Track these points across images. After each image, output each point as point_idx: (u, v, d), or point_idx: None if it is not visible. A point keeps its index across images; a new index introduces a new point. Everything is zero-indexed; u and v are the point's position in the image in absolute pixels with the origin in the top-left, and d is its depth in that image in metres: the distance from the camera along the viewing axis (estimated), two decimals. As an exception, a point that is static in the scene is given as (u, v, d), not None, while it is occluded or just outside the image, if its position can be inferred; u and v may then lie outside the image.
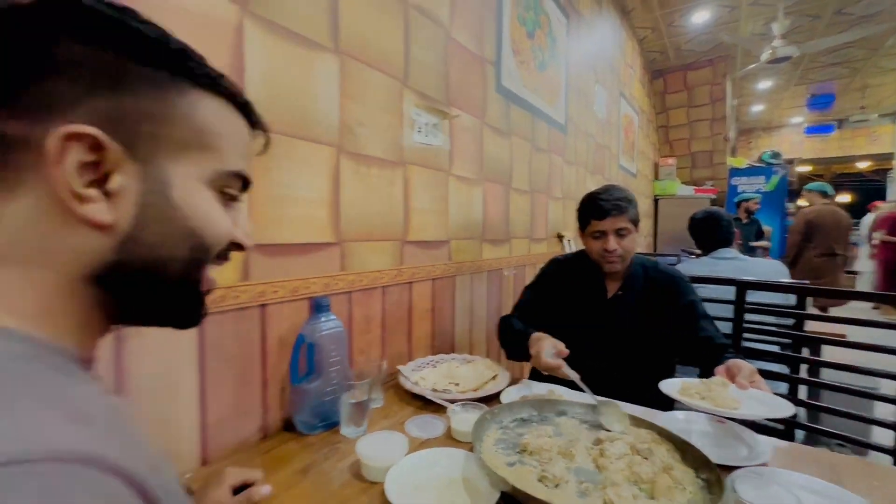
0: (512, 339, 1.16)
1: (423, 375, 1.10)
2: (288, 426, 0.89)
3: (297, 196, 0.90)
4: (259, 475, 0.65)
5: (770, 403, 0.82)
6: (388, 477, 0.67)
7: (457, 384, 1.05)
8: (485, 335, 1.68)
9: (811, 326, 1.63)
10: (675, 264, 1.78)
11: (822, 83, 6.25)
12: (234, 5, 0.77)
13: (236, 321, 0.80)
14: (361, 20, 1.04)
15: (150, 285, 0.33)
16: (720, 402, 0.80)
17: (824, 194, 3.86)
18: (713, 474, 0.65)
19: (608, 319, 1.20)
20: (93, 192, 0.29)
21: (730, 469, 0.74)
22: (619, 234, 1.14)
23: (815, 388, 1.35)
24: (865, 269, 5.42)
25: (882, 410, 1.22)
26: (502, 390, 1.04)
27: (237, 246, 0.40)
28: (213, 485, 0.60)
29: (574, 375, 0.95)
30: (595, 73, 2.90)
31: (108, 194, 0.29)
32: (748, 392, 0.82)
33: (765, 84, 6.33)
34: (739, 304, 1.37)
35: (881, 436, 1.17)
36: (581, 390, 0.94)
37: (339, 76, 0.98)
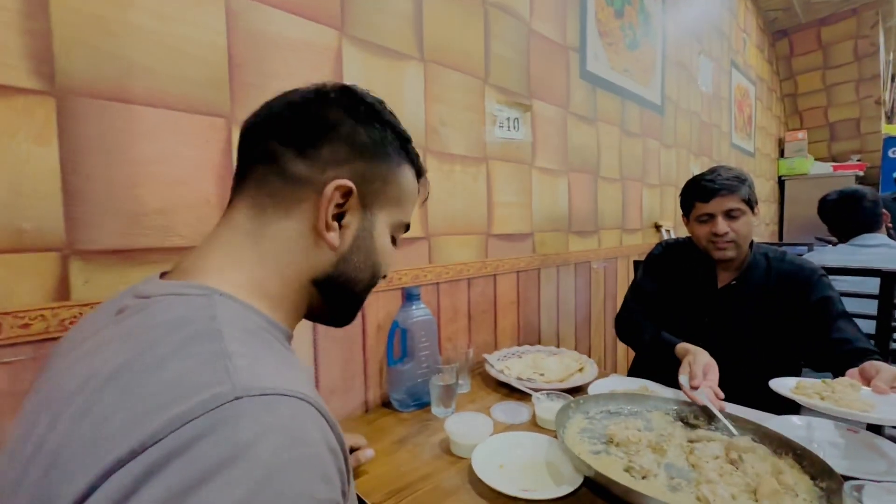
0: (640, 343, 1.12)
1: (509, 365, 1.13)
2: (386, 403, 0.99)
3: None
4: (364, 441, 0.75)
5: None
6: (474, 454, 0.71)
7: (542, 374, 1.06)
8: (573, 328, 1.65)
9: None
10: (802, 254, 1.54)
11: None
12: (333, 31, 0.88)
13: (341, 307, 0.92)
14: (443, 25, 1.10)
15: (344, 293, 0.46)
16: (846, 405, 0.69)
17: None
18: (834, 482, 0.58)
19: (716, 312, 1.10)
20: (334, 223, 0.41)
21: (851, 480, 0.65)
22: (731, 215, 1.03)
23: None
24: None
25: None
26: (589, 383, 1.03)
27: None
28: None
29: (711, 406, 0.80)
30: (700, 42, 2.61)
31: (341, 227, 0.42)
32: (887, 398, 0.70)
33: (937, 28, 5.06)
34: (886, 299, 1.15)
35: None
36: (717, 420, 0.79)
37: (423, 81, 1.06)
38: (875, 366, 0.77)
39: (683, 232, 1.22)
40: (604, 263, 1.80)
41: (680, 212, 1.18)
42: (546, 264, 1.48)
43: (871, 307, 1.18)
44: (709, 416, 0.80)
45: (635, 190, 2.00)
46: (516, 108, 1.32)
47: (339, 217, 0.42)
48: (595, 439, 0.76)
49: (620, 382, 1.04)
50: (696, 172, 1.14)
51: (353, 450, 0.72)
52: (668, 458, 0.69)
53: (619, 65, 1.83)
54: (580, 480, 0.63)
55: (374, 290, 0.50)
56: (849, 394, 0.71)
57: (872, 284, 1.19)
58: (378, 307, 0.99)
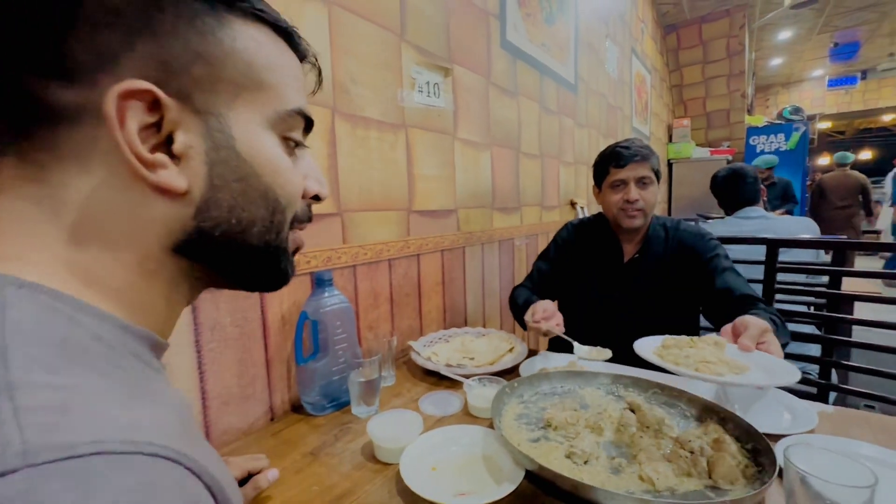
0: (519, 312, 1.10)
1: (436, 351, 1.05)
2: (297, 408, 0.85)
3: (290, 163, 0.83)
4: (265, 461, 0.61)
5: (773, 369, 0.68)
6: (402, 458, 0.62)
7: (472, 358, 1.00)
8: (498, 308, 1.62)
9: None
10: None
11: (846, 30, 5.88)
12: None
13: (233, 298, 0.75)
14: (350, -35, 0.94)
15: (234, 251, 0.31)
16: (705, 366, 0.67)
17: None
18: (760, 443, 0.59)
19: (625, 285, 1.13)
20: (160, 156, 0.26)
21: (774, 438, 0.67)
22: (642, 182, 1.06)
23: (847, 347, 1.27)
24: (885, 227, 5.24)
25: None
26: (520, 363, 0.99)
27: (314, 197, 0.36)
28: None
29: (556, 330, 0.93)
30: (606, 26, 2.72)
31: (175, 158, 0.27)
32: (752, 355, 0.72)
33: (785, 34, 5.98)
34: (770, 264, 1.28)
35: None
36: (571, 345, 0.95)
37: (328, 28, 0.89)
38: (744, 322, 0.78)
39: (597, 209, 1.24)
40: (526, 240, 1.79)
41: (590, 189, 1.19)
42: (471, 242, 1.41)
43: (758, 272, 1.30)
44: (641, 387, 0.79)
45: (553, 167, 2.02)
46: (436, 72, 1.21)
47: (165, 144, 0.27)
48: (532, 425, 0.70)
49: (549, 360, 1.02)
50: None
51: (251, 475, 0.58)
52: (606, 437, 0.66)
53: (537, 37, 1.80)
54: (521, 475, 0.57)
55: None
56: (712, 352, 0.71)
57: (758, 252, 1.32)
58: (282, 296, 0.83)
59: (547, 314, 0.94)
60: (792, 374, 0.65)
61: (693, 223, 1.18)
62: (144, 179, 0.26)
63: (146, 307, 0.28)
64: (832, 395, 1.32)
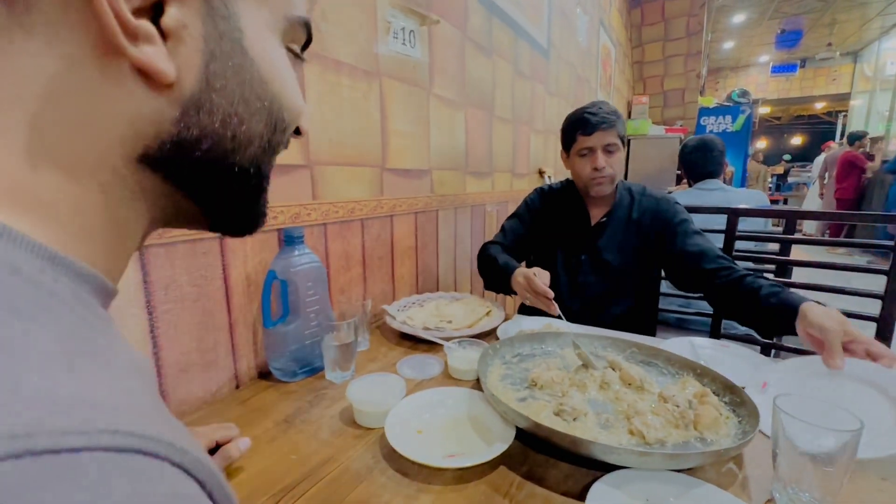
0: (493, 269, 1.07)
1: (410, 315, 1.01)
2: (264, 374, 0.79)
3: (253, 104, 0.73)
4: (235, 430, 0.55)
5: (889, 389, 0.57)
6: (387, 421, 0.58)
7: (450, 321, 0.97)
8: (470, 274, 1.60)
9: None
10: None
11: (794, 17, 6.19)
12: None
13: (189, 255, 0.66)
14: None
15: (218, 172, 0.24)
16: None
17: None
18: (737, 395, 0.61)
19: (592, 249, 1.14)
20: (145, 25, 0.19)
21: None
22: (608, 150, 1.06)
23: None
24: (811, 208, 5.76)
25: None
26: (498, 326, 0.97)
27: (296, 129, 0.30)
28: None
29: (558, 311, 0.87)
30: (578, -7, 2.66)
31: (165, 36, 0.20)
32: (859, 372, 0.58)
33: (739, 17, 6.20)
34: (730, 233, 1.34)
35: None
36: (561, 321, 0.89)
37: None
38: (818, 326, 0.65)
39: (563, 177, 1.23)
40: (497, 206, 1.77)
41: (558, 159, 1.17)
42: (444, 206, 1.36)
43: (719, 241, 1.36)
44: (619, 347, 0.81)
45: (524, 134, 1.99)
46: (413, 18, 1.12)
47: (153, 12, 0.20)
48: (517, 385, 0.69)
49: (525, 322, 1.02)
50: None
51: (219, 445, 0.52)
52: (590, 395, 0.66)
53: (513, -6, 1.72)
54: (513, 434, 0.55)
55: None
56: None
57: (719, 221, 1.37)
58: (246, 254, 0.75)
59: (539, 276, 0.92)
60: None
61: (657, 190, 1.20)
62: (123, 53, 0.19)
63: (92, 237, 0.21)
64: (771, 353, 1.43)
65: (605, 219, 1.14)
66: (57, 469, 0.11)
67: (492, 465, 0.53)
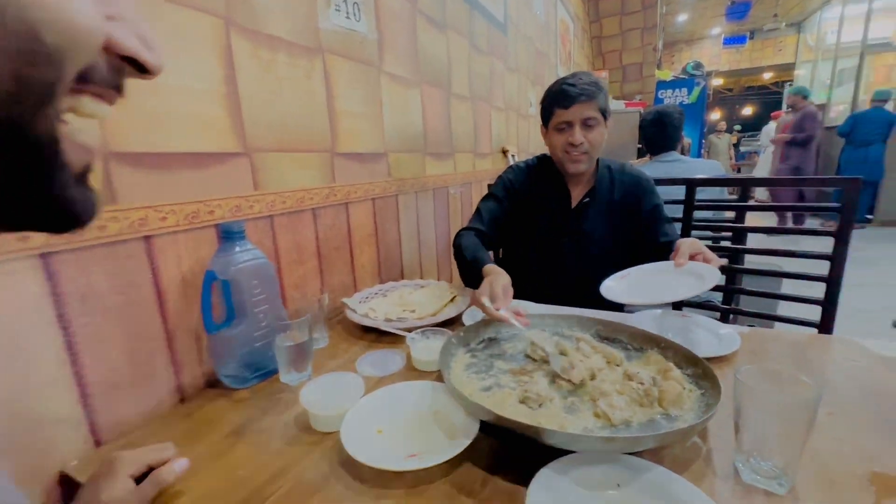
0: (463, 266, 1.00)
1: (373, 307, 0.97)
2: (213, 383, 0.73)
3: (176, 85, 0.65)
4: (170, 450, 0.50)
5: (703, 274, 0.80)
6: (343, 425, 0.55)
7: (412, 311, 0.93)
8: (435, 259, 1.57)
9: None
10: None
11: (742, -11, 6.34)
12: None
13: (107, 260, 0.59)
14: None
15: None
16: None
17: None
18: (700, 368, 0.60)
19: (573, 230, 1.11)
20: None
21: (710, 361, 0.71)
22: (587, 124, 1.01)
23: (745, 274, 1.42)
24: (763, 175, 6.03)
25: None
26: (463, 312, 0.94)
27: (135, 65, 0.21)
28: (104, 478, 0.44)
29: (515, 322, 0.75)
30: (532, -36, 2.60)
31: None
32: (688, 268, 0.82)
33: (691, -10, 6.28)
34: (689, 203, 1.35)
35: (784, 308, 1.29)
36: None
37: None
38: (676, 244, 0.88)
39: (527, 157, 1.19)
40: (460, 189, 1.73)
41: (521, 137, 1.13)
42: (403, 190, 1.31)
43: (679, 212, 1.38)
44: (585, 325, 0.79)
45: (485, 112, 1.94)
46: (355, -11, 1.04)
47: None
48: (482, 374, 0.67)
49: (492, 306, 0.99)
50: (534, 100, 1.08)
51: (151, 469, 0.47)
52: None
53: (465, -36, 1.64)
54: (476, 427, 0.53)
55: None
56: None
57: (679, 192, 1.39)
58: (179, 254, 0.68)
59: (506, 293, 0.80)
60: (714, 274, 0.77)
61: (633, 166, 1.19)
62: None
63: None
64: (730, 317, 1.48)
65: (586, 199, 1.10)
66: None
67: (455, 463, 0.51)
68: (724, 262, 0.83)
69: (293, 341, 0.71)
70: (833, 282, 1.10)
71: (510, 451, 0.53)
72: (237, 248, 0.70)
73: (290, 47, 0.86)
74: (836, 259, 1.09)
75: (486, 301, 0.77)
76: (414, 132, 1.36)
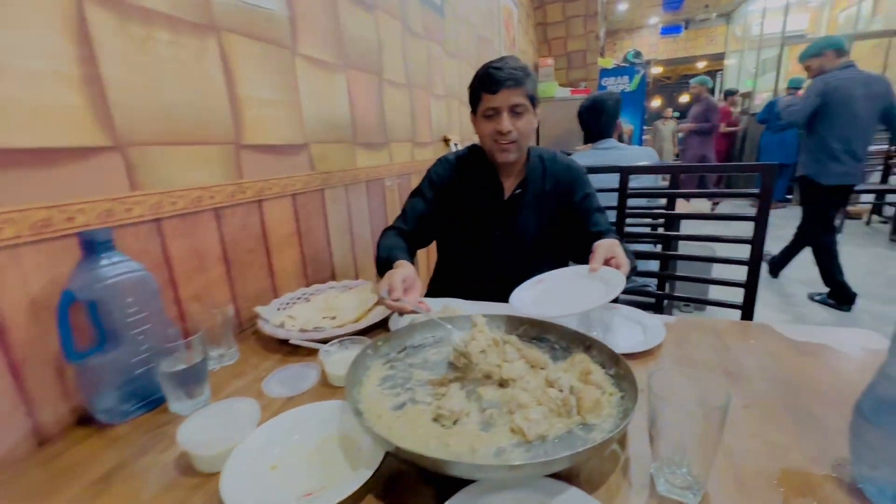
0: (379, 265, 0.96)
1: (293, 314, 0.88)
2: (86, 419, 0.62)
3: (9, 65, 0.53)
4: None
5: (610, 280, 0.76)
6: (227, 465, 0.47)
7: (333, 318, 0.86)
8: (371, 256, 1.49)
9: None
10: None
11: (676, -20, 6.59)
12: None
13: (-89, 286, 0.47)
14: None
15: None
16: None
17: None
18: (622, 368, 0.58)
19: (506, 223, 1.07)
20: None
21: (630, 357, 0.70)
22: (515, 111, 0.97)
23: (676, 259, 1.46)
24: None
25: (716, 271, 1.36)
26: (389, 316, 0.88)
27: None
28: None
29: (419, 308, 0.75)
30: (471, -55, 2.52)
31: None
32: (600, 273, 0.79)
33: (630, -21, 6.45)
34: (623, 191, 1.36)
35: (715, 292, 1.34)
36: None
37: None
38: (594, 247, 0.84)
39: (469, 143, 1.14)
40: (397, 180, 1.65)
41: (463, 126, 1.08)
42: (330, 183, 1.22)
43: (613, 199, 1.38)
44: (513, 325, 0.75)
45: (423, 99, 1.86)
46: (256, -42, 0.92)
47: None
48: (398, 388, 0.61)
49: (423, 306, 0.94)
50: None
51: None
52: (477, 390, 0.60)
53: (393, -60, 1.54)
54: (381, 456, 0.47)
55: None
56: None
57: (614, 179, 1.39)
58: (25, 272, 0.57)
59: (407, 283, 0.78)
60: (620, 281, 0.74)
61: (565, 155, 1.16)
62: None
63: None
64: (664, 303, 1.53)
65: (518, 190, 1.06)
66: None
67: (357, 497, 0.45)
68: (629, 267, 0.80)
69: (184, 364, 0.62)
70: (753, 263, 1.15)
71: (421, 476, 0.48)
72: (103, 262, 0.59)
73: (172, 23, 0.74)
74: (755, 242, 1.13)
75: (383, 292, 0.74)
76: (341, 121, 1.26)
